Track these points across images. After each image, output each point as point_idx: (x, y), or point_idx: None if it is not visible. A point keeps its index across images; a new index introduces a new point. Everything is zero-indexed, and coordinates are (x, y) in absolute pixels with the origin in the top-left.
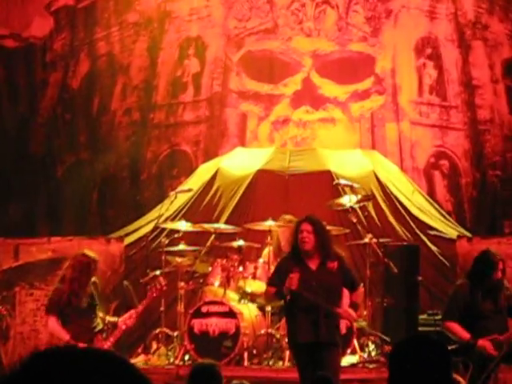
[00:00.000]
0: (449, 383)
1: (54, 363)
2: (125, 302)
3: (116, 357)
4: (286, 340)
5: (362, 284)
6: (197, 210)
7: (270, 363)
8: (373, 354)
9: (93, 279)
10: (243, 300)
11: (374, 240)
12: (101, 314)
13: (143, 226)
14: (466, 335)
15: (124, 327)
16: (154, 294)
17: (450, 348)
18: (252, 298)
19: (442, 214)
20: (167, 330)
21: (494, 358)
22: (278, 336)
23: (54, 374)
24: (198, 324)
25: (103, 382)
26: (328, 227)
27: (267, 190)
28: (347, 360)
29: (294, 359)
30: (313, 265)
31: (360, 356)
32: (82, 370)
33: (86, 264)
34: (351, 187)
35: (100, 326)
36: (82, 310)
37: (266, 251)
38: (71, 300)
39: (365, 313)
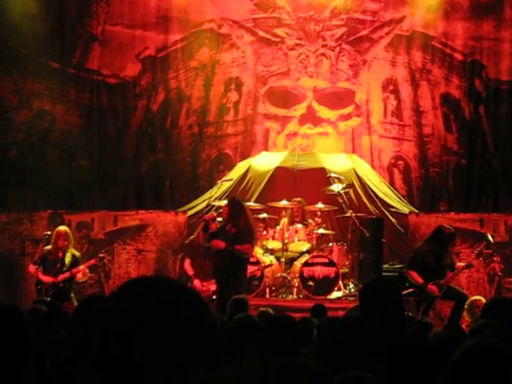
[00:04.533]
0: (400, 308)
1: (142, 285)
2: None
3: (184, 286)
4: (294, 280)
5: (250, 243)
6: (235, 193)
7: (284, 296)
8: (352, 290)
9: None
10: (266, 254)
11: (354, 214)
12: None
13: (200, 204)
14: (420, 280)
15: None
16: None
17: (408, 291)
18: (272, 252)
19: (399, 197)
20: None
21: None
22: (289, 278)
23: (142, 291)
24: None
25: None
26: (321, 205)
27: (283, 180)
28: (335, 294)
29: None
30: (227, 228)
31: (343, 292)
32: (161, 291)
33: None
34: (338, 179)
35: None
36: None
37: (282, 221)
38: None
39: (347, 263)
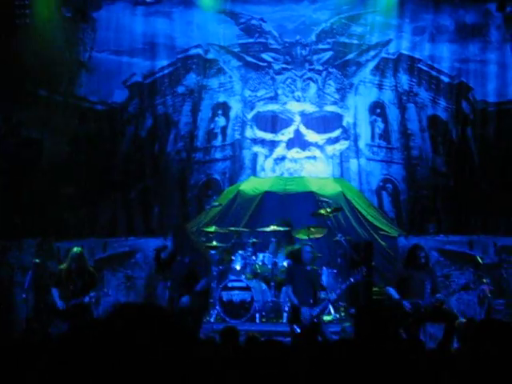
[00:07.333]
0: (395, 332)
1: (131, 311)
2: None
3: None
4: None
5: (205, 277)
6: (224, 218)
7: (274, 321)
8: (342, 314)
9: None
10: (255, 279)
11: (343, 237)
12: None
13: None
14: (396, 296)
15: None
16: None
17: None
18: (261, 277)
19: (388, 220)
20: None
21: (412, 314)
22: (278, 303)
23: (130, 316)
24: (225, 294)
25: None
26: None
27: (271, 205)
28: (326, 318)
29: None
30: (179, 258)
31: (334, 316)
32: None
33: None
34: (327, 202)
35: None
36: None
37: (271, 246)
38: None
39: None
